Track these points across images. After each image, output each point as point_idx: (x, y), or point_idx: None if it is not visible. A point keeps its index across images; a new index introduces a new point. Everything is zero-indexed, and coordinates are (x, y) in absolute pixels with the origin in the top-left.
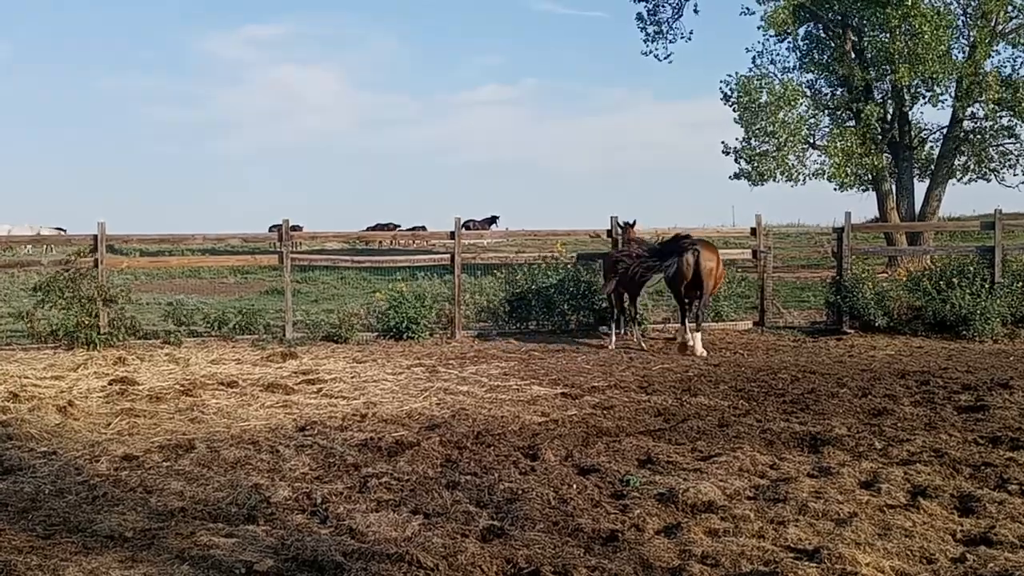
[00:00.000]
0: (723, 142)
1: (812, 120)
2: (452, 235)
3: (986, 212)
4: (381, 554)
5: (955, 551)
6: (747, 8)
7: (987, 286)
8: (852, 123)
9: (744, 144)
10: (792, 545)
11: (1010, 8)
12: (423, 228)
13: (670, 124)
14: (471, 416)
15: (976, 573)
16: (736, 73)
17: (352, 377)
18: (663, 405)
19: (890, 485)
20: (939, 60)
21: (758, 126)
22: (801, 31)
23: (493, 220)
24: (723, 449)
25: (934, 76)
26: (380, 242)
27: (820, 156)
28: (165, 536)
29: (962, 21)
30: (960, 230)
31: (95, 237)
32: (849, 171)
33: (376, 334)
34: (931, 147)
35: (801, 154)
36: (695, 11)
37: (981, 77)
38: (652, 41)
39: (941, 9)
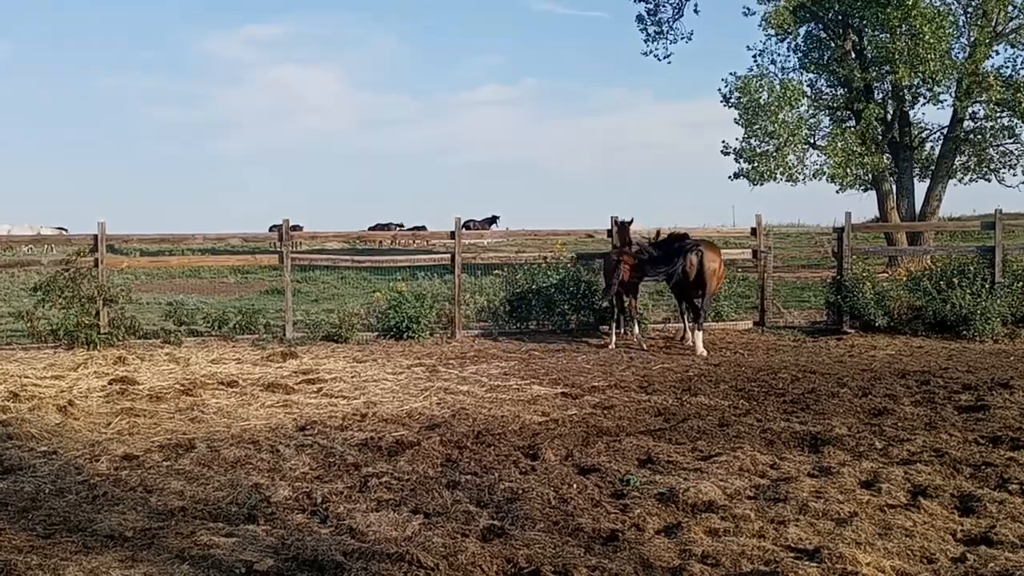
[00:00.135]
0: (723, 141)
1: (812, 120)
2: (452, 235)
3: (986, 212)
4: (381, 554)
5: (955, 551)
6: (747, 8)
7: (987, 286)
8: (852, 123)
9: (744, 144)
10: (792, 545)
11: (1010, 8)
12: (423, 228)
13: (670, 124)
14: (471, 416)
15: (976, 573)
16: (734, 74)
17: (352, 377)
18: (663, 405)
19: (890, 485)
20: (939, 60)
21: (758, 126)
22: (801, 31)
23: (493, 220)
24: (723, 449)
25: (934, 76)
26: (380, 242)
27: (820, 156)
28: (165, 535)
29: (962, 21)
30: (960, 230)
31: (95, 237)
32: (849, 171)
33: (376, 334)
34: (931, 147)
35: (801, 154)
36: (695, 11)
37: (981, 77)
38: (652, 41)
39: (941, 9)
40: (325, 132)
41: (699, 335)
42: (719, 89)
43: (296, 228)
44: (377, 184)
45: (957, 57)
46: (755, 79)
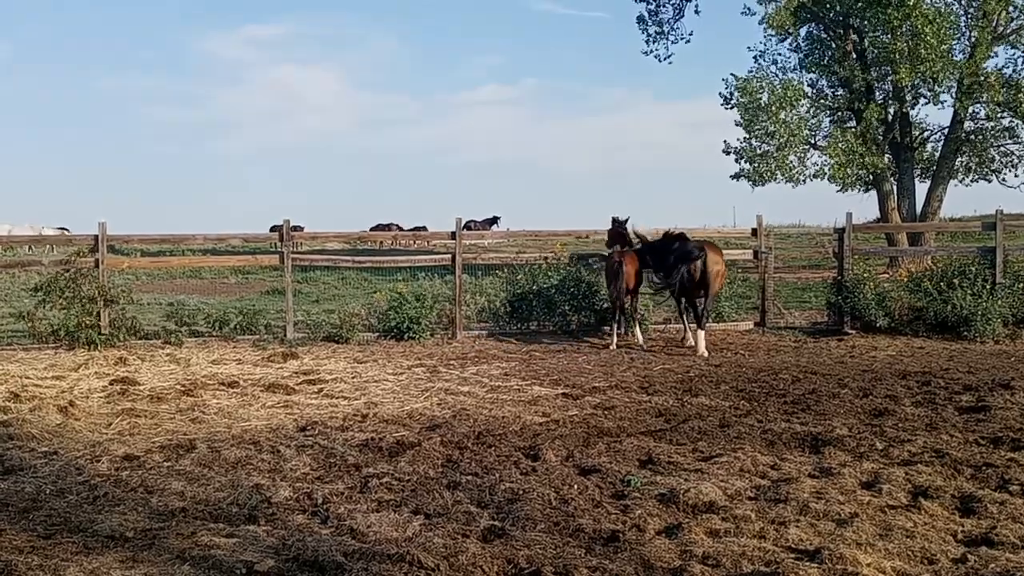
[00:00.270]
0: (725, 141)
1: (813, 120)
2: (453, 235)
3: (987, 213)
4: (382, 554)
5: (956, 552)
6: (748, 8)
7: (988, 287)
8: (853, 123)
9: (745, 144)
10: (793, 546)
11: (1011, 9)
12: (424, 228)
13: (670, 124)
14: (472, 416)
15: (977, 574)
16: (734, 75)
17: (353, 377)
18: (664, 405)
19: (891, 486)
20: (940, 60)
21: (759, 126)
22: (802, 31)
23: (494, 220)
24: (724, 449)
25: (935, 76)
26: (381, 242)
27: (821, 156)
28: (166, 536)
29: (963, 22)
30: (961, 231)
31: (96, 237)
32: (850, 171)
33: (377, 334)
34: (932, 148)
35: (802, 154)
36: (696, 12)
37: (982, 78)
38: (653, 42)
39: (942, 10)
40: (325, 132)
41: (701, 335)
42: (720, 92)
43: (297, 228)
44: (377, 184)
45: (958, 58)
46: (755, 79)
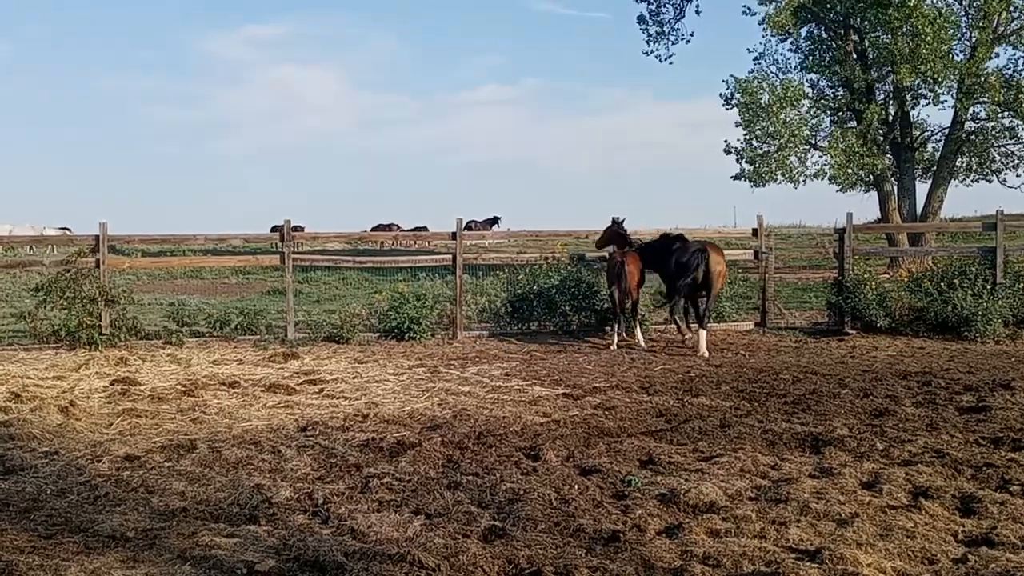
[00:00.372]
0: (725, 141)
1: (814, 121)
2: (454, 236)
3: (988, 213)
4: (383, 554)
5: (957, 552)
6: (748, 8)
7: (989, 287)
8: (854, 124)
9: (745, 145)
10: (794, 546)
11: (1012, 9)
12: (425, 228)
13: (670, 124)
14: (473, 417)
15: (977, 574)
16: (733, 76)
17: (354, 378)
18: (665, 406)
19: (892, 486)
20: (941, 61)
21: (759, 127)
22: (803, 32)
23: (495, 221)
24: (725, 450)
25: (936, 77)
26: (382, 243)
27: (822, 157)
28: (167, 536)
29: (964, 22)
30: (962, 231)
31: (97, 237)
32: (851, 172)
33: (378, 335)
34: (933, 148)
35: (802, 155)
36: (697, 12)
37: (983, 78)
38: (654, 42)
39: (943, 10)
40: (325, 132)
41: (703, 335)
42: (720, 93)
43: (298, 229)
44: (377, 184)
45: (959, 58)
46: (756, 80)
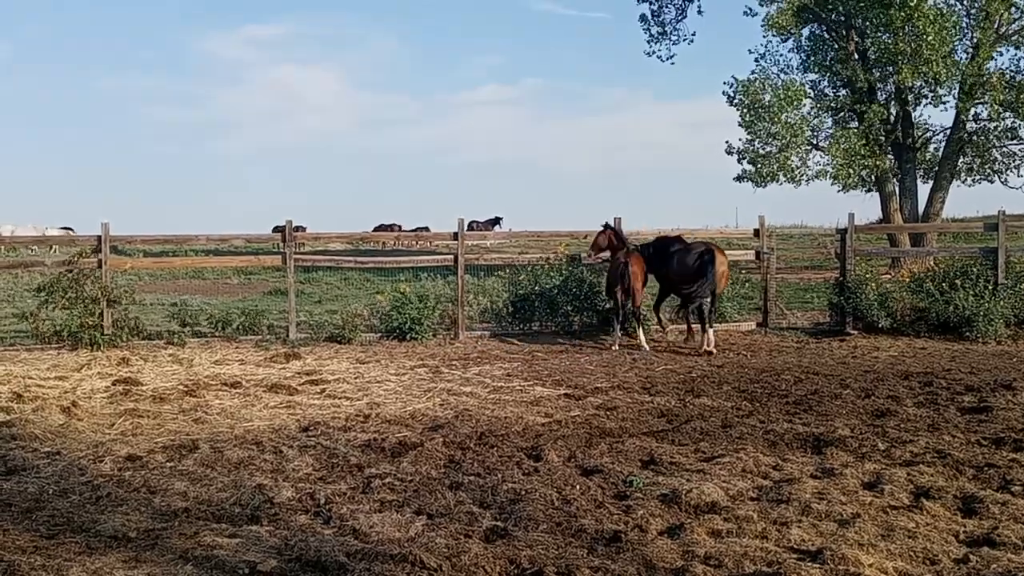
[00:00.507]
0: (727, 141)
1: (815, 121)
2: (455, 236)
3: (990, 213)
4: (384, 554)
5: (958, 552)
6: (749, 8)
7: (990, 287)
8: (855, 124)
9: (747, 145)
10: (795, 546)
11: (1013, 10)
12: (426, 229)
13: (670, 124)
14: (474, 417)
15: (979, 574)
16: (735, 78)
17: (355, 378)
18: (666, 406)
19: (893, 486)
20: (942, 61)
21: (761, 127)
22: (804, 32)
23: (496, 221)
24: (726, 450)
25: (937, 77)
26: (383, 243)
27: (823, 157)
28: (169, 536)
29: (965, 22)
30: (963, 231)
31: (99, 238)
32: (852, 172)
33: (379, 335)
34: (935, 148)
35: (804, 155)
36: (699, 12)
37: (984, 78)
38: (655, 42)
39: (944, 10)
40: (325, 132)
41: (710, 333)
42: (724, 92)
43: (299, 229)
44: (377, 184)
45: (960, 58)
46: (758, 80)
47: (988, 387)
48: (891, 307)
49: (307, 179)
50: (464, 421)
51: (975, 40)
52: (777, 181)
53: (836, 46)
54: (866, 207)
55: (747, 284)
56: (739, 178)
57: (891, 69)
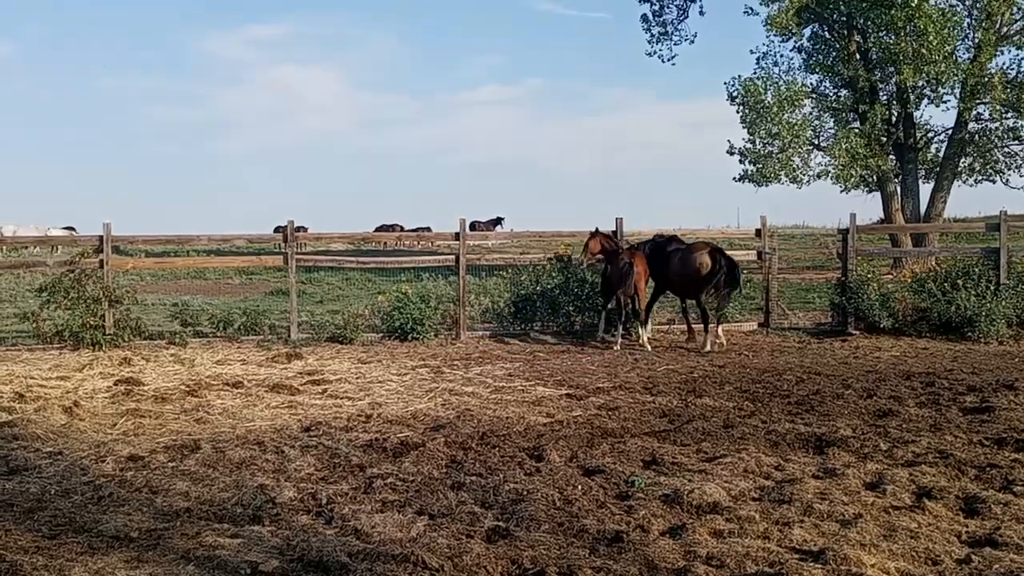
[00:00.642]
0: (729, 141)
1: (817, 121)
2: (457, 236)
3: (991, 214)
4: (386, 554)
5: (960, 552)
6: (751, 8)
7: (992, 288)
8: (857, 124)
9: (748, 145)
10: (797, 546)
11: (1015, 10)
12: (428, 229)
13: (670, 124)
14: (476, 417)
15: (981, 574)
16: (739, 77)
17: (357, 378)
18: (668, 406)
19: (895, 486)
20: (944, 61)
21: (763, 128)
22: (806, 32)
23: (498, 221)
24: (728, 450)
25: (939, 77)
26: (385, 243)
27: (825, 157)
28: (171, 536)
29: (967, 23)
30: (965, 231)
31: (101, 238)
32: (854, 172)
33: (381, 335)
34: (936, 148)
35: (806, 155)
36: (700, 12)
37: (986, 78)
38: (657, 42)
39: (946, 10)
40: (325, 132)
41: (719, 329)
42: (727, 89)
43: (301, 229)
44: (377, 184)
45: (962, 58)
46: (759, 81)
47: (990, 387)
48: (893, 307)
49: (307, 179)
50: (466, 421)
51: (977, 40)
52: (779, 181)
53: (837, 46)
54: (868, 207)
55: (749, 284)
56: (741, 178)
57: (893, 69)
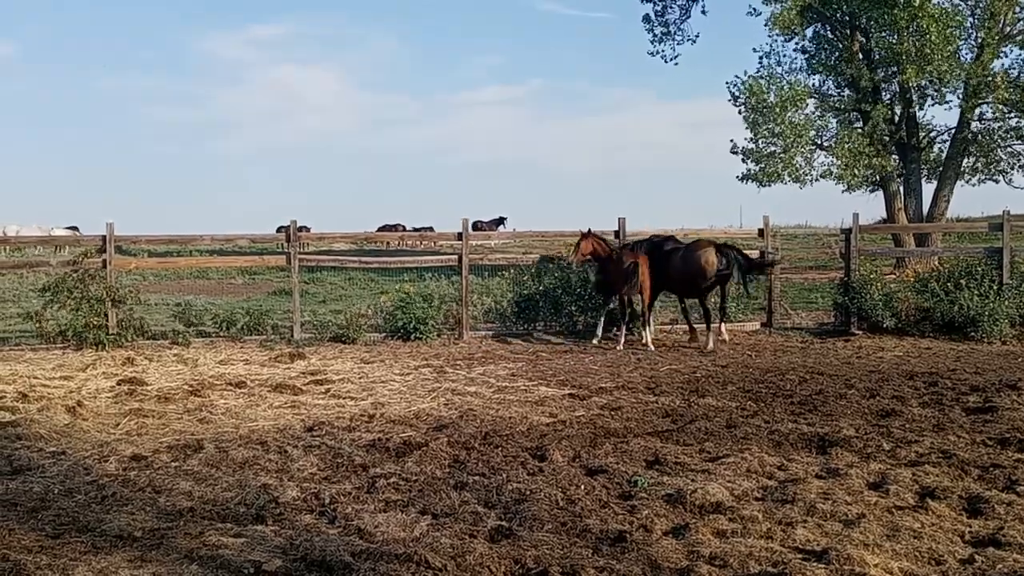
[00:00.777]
0: (732, 140)
1: (820, 121)
2: (459, 236)
3: (994, 213)
4: (389, 554)
5: (963, 552)
6: (753, 8)
7: (995, 287)
8: (860, 124)
9: (751, 144)
10: (800, 546)
11: (1018, 9)
12: (430, 229)
13: (670, 124)
14: (479, 417)
15: (984, 574)
16: (744, 73)
17: (360, 378)
18: (671, 406)
19: (898, 486)
20: (947, 61)
21: (765, 127)
22: (808, 32)
23: (501, 221)
24: (731, 450)
25: (942, 77)
26: (387, 243)
27: (828, 157)
28: (174, 536)
29: (970, 22)
30: (968, 231)
31: (104, 238)
32: (857, 172)
33: (384, 335)
34: (939, 148)
35: (808, 155)
36: (703, 12)
37: (989, 78)
38: (659, 42)
39: (949, 10)
40: (325, 132)
41: (723, 327)
42: (729, 90)
43: (303, 229)
44: (377, 184)
45: (965, 58)
46: (763, 80)
47: (993, 387)
48: (896, 307)
49: (307, 179)
50: (469, 421)
51: (980, 40)
52: (782, 181)
53: (840, 46)
54: (870, 207)
55: (751, 284)
56: (744, 178)
57: (895, 69)
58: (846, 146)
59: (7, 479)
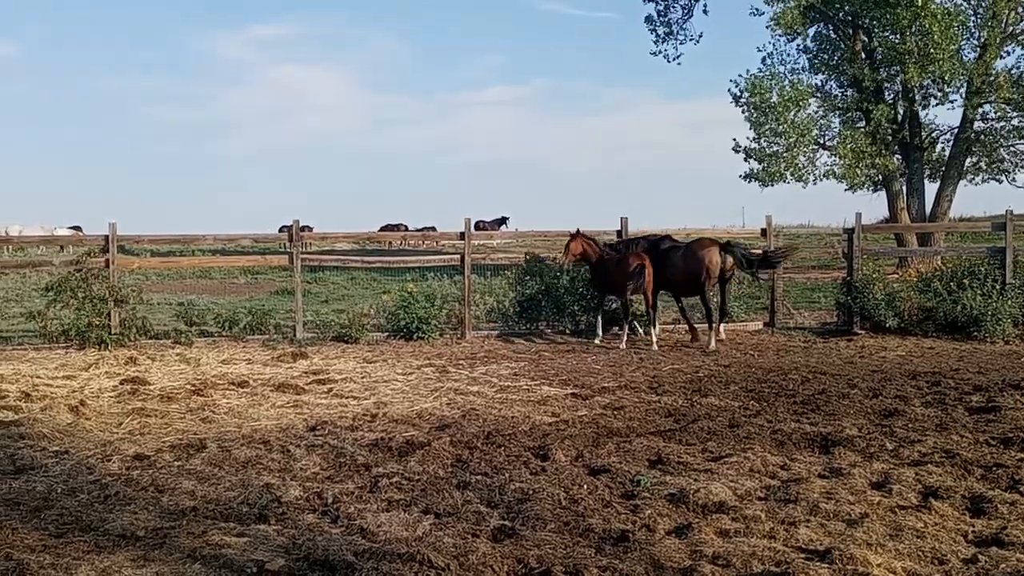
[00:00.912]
0: (734, 139)
1: (822, 121)
2: (462, 236)
3: (997, 213)
4: (392, 554)
5: (967, 552)
6: (756, 8)
7: (998, 287)
8: (862, 124)
9: (754, 144)
10: (803, 546)
11: (1020, 9)
12: (433, 229)
13: (671, 124)
14: (481, 416)
15: (988, 574)
16: (747, 71)
17: (362, 377)
18: (673, 406)
19: (901, 486)
20: (949, 60)
21: (768, 127)
22: (811, 31)
23: (503, 221)
24: (734, 450)
25: (944, 76)
26: (390, 243)
27: (830, 157)
28: (177, 535)
29: (973, 22)
30: (971, 231)
31: (106, 237)
32: (859, 172)
33: (386, 334)
34: (942, 148)
35: (811, 155)
36: (705, 12)
37: (992, 77)
38: (662, 42)
39: (951, 9)
40: (326, 132)
41: (720, 326)
42: (729, 90)
43: (306, 229)
44: (378, 184)
45: (968, 58)
46: (765, 79)
47: (996, 387)
48: (898, 307)
49: (308, 179)
50: (471, 420)
51: (982, 39)
52: (784, 180)
53: (843, 45)
54: (873, 207)
55: (753, 284)
56: (746, 177)
57: (898, 68)
58: (849, 145)
59: (10, 478)
